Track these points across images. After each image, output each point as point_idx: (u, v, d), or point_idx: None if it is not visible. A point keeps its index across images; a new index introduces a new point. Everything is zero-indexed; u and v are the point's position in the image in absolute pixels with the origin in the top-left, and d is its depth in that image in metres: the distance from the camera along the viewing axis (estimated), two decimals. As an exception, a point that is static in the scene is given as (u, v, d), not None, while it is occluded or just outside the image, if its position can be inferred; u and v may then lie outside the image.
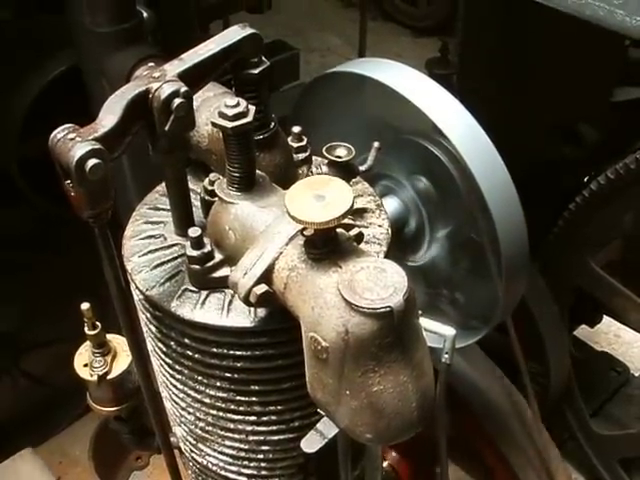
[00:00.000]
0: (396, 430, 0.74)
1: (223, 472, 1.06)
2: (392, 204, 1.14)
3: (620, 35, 1.49)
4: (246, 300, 0.76)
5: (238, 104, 0.77)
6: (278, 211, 0.79)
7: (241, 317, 0.83)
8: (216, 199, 0.83)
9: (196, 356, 0.87)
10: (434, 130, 1.08)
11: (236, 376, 0.88)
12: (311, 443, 0.78)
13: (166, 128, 0.79)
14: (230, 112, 0.77)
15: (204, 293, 0.84)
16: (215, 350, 0.85)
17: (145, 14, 1.18)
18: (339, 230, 0.73)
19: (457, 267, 1.14)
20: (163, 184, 0.96)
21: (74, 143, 0.71)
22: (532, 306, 1.72)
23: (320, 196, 0.70)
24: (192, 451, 1.08)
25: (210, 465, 1.07)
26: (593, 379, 2.16)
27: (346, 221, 0.72)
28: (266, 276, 0.75)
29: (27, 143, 1.95)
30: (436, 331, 0.88)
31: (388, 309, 0.66)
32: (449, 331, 0.88)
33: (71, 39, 1.52)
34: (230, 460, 1.02)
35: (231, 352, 0.85)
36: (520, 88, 1.56)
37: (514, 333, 1.31)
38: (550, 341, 1.74)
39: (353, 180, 0.97)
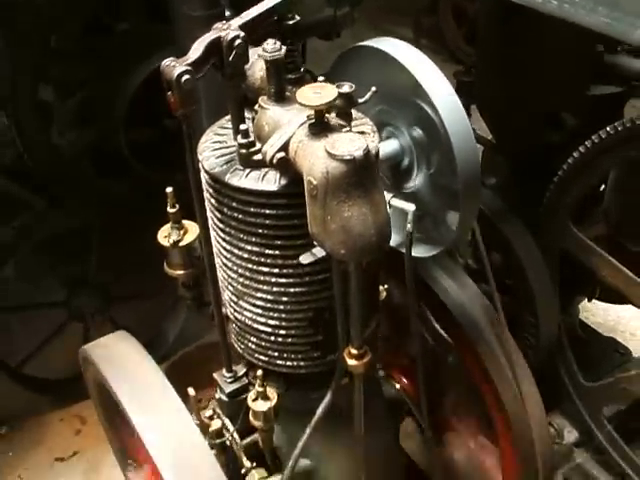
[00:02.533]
0: (361, 249, 1.13)
1: (255, 325, 1.47)
2: (393, 145, 1.53)
3: (593, 43, 1.90)
4: (271, 163, 1.19)
5: (275, 44, 1.22)
6: (296, 112, 1.22)
7: (270, 183, 1.26)
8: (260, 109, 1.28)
9: (240, 217, 1.31)
10: (425, 93, 1.49)
11: (266, 232, 1.31)
12: (306, 258, 1.19)
13: (230, 59, 1.24)
14: (269, 48, 1.21)
15: (247, 170, 1.28)
16: (252, 210, 1.28)
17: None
18: (328, 115, 1.16)
19: (435, 193, 1.52)
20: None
21: (175, 66, 1.18)
22: (526, 267, 2.08)
23: (317, 92, 1.13)
24: (235, 310, 1.50)
25: (246, 320, 1.49)
26: (596, 357, 2.45)
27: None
28: (284, 147, 1.18)
29: (134, 125, 2.50)
30: (401, 207, 1.29)
31: (351, 157, 1.08)
32: (410, 207, 1.29)
33: (167, 42, 2.03)
34: (260, 312, 1.44)
35: (262, 211, 1.28)
36: (516, 85, 1.97)
37: (488, 263, 1.66)
38: (540, 296, 2.08)
39: (359, 115, 1.39)
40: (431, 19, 5.42)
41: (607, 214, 2.05)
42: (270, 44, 1.22)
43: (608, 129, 1.76)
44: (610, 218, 2.03)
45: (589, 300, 2.39)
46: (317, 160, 1.11)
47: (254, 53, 1.32)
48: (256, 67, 1.34)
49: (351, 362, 1.33)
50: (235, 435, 1.64)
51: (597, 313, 2.86)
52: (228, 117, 1.43)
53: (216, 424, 1.66)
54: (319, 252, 1.19)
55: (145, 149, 2.63)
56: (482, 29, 2.01)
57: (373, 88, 1.37)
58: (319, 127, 1.15)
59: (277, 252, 1.33)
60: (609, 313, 2.89)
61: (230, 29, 1.25)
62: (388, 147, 1.51)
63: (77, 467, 2.71)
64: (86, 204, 2.70)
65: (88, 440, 2.79)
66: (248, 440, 1.65)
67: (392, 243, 1.59)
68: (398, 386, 2.03)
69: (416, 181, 1.52)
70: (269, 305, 1.42)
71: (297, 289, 1.38)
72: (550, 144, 1.98)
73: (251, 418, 1.53)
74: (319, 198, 1.12)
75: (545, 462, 1.74)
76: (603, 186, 2.13)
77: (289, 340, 1.46)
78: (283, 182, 1.26)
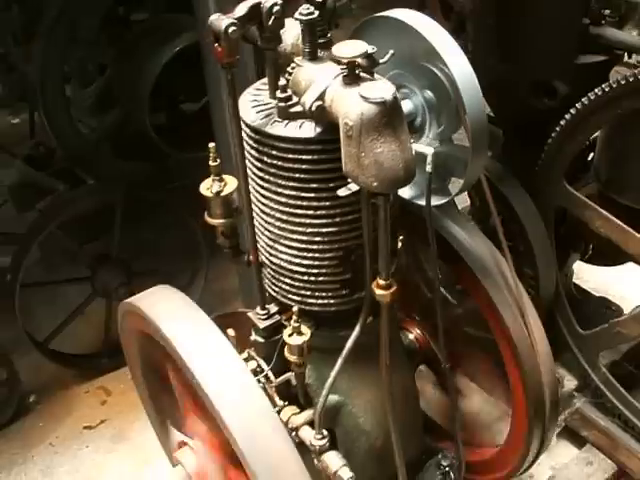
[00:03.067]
0: (390, 181, 1.31)
1: (290, 265, 1.65)
2: (407, 105, 1.71)
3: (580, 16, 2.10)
4: (310, 111, 1.37)
5: (308, 8, 1.40)
6: (329, 68, 1.40)
7: (307, 131, 1.44)
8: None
9: (279, 163, 1.48)
10: (440, 59, 1.66)
11: (302, 176, 1.48)
12: (343, 191, 1.37)
13: (269, 24, 1.42)
14: (304, 12, 1.39)
15: (286, 121, 1.46)
16: (291, 156, 1.46)
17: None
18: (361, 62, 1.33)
19: (444, 148, 1.70)
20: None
21: (223, 19, 1.35)
22: (525, 224, 2.27)
23: (349, 47, 1.31)
24: (270, 255, 1.68)
25: (281, 262, 1.66)
26: (590, 313, 2.64)
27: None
28: (321, 97, 1.36)
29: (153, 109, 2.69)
30: (421, 150, 1.47)
31: (382, 99, 1.26)
32: (429, 150, 1.47)
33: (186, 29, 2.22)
34: (295, 253, 1.61)
35: (300, 157, 1.46)
36: (512, 55, 2.16)
37: (497, 216, 1.84)
38: (539, 251, 2.27)
39: (378, 77, 1.57)
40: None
41: (597, 173, 2.24)
42: (305, 8, 1.40)
43: (595, 92, 1.96)
44: (600, 176, 2.23)
45: (582, 258, 2.58)
46: (352, 104, 1.29)
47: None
48: (288, 35, 1.53)
49: (379, 292, 1.50)
50: (269, 374, 1.80)
51: (589, 279, 3.03)
52: (260, 83, 1.62)
53: (251, 365, 1.82)
54: (353, 187, 1.37)
55: (166, 131, 2.81)
56: (477, 3, 2.19)
57: (391, 51, 1.55)
58: (352, 77, 1.33)
59: (312, 195, 1.51)
60: (600, 280, 3.07)
61: (269, -4, 1.42)
62: (403, 107, 1.69)
63: (105, 434, 2.86)
64: (109, 185, 2.87)
65: (114, 410, 2.95)
66: (281, 379, 1.81)
67: (406, 196, 1.78)
68: (412, 336, 2.21)
69: (428, 137, 1.70)
70: (303, 246, 1.59)
71: (329, 229, 1.56)
72: (543, 110, 2.17)
73: (286, 353, 1.70)
74: (354, 137, 1.30)
75: (552, 393, 1.91)
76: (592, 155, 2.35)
77: (320, 279, 1.64)
78: (318, 130, 1.44)
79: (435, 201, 1.72)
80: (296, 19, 1.41)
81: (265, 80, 1.58)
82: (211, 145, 1.59)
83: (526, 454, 2.05)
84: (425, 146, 1.50)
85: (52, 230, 2.79)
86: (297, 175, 1.49)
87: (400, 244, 1.83)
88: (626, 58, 2.17)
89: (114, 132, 2.91)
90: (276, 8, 1.40)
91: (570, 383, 2.55)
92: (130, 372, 2.17)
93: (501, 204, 2.29)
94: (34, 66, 2.62)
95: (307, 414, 1.81)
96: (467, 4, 2.18)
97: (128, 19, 2.83)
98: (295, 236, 1.59)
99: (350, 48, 1.33)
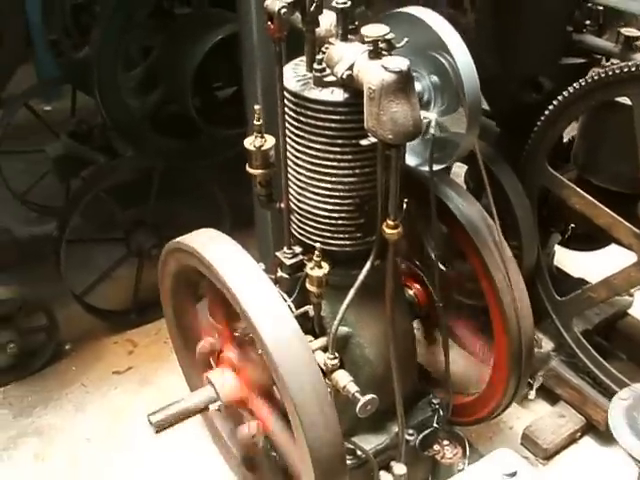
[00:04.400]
0: (402, 134, 1.67)
1: (315, 210, 2.01)
2: (417, 86, 2.08)
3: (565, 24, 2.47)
4: (341, 78, 1.73)
5: (344, -2, 1.78)
6: (357, 47, 1.77)
7: (337, 96, 1.81)
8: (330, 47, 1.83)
9: (312, 122, 1.85)
10: (445, 50, 2.02)
11: (331, 133, 1.85)
12: (365, 141, 1.73)
13: (311, 10, 1.79)
14: (340, 0, 1.77)
15: (320, 88, 1.83)
16: (322, 116, 1.83)
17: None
18: (382, 46, 1.70)
19: (444, 122, 2.06)
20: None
21: (277, 2, 1.72)
22: (512, 200, 2.63)
23: (374, 29, 1.68)
24: (299, 201, 2.04)
25: (308, 208, 2.02)
26: (567, 289, 2.99)
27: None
28: (350, 67, 1.73)
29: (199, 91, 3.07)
30: (425, 115, 1.84)
31: (399, 69, 1.62)
32: (433, 115, 1.84)
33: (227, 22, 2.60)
34: (320, 198, 1.98)
35: (330, 117, 1.82)
36: (506, 54, 2.54)
37: (489, 189, 2.20)
38: (523, 224, 2.63)
39: (394, 53, 1.94)
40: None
41: (575, 158, 2.61)
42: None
43: (573, 86, 2.34)
44: (577, 161, 2.60)
45: (562, 239, 2.93)
46: (375, 72, 1.65)
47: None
48: (323, 21, 1.90)
49: (388, 231, 1.86)
50: (291, 305, 2.14)
51: (568, 265, 3.36)
52: (297, 60, 1.99)
53: (277, 298, 2.17)
54: (372, 139, 1.74)
55: (202, 113, 3.19)
56: (479, 8, 2.57)
57: (406, 38, 1.91)
58: (375, 53, 1.70)
59: (337, 149, 1.88)
60: (579, 265, 3.40)
61: (312, -12, 1.80)
62: (413, 87, 2.06)
63: (132, 379, 3.20)
64: (147, 157, 3.24)
65: (139, 359, 3.29)
66: (301, 310, 2.16)
67: (412, 164, 2.15)
68: (411, 292, 2.56)
69: (433, 112, 2.06)
70: (327, 193, 1.96)
71: (349, 179, 1.93)
72: (531, 103, 2.54)
73: (307, 285, 2.05)
74: (375, 99, 1.66)
75: (527, 338, 2.25)
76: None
77: (340, 222, 2.00)
78: (346, 96, 1.81)
79: (435, 166, 2.09)
80: (332, 8, 1.78)
81: (299, 60, 1.96)
82: (256, 107, 1.96)
83: (502, 399, 2.40)
84: (429, 113, 1.87)
85: (99, 194, 3.14)
86: (326, 132, 1.86)
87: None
88: (604, 61, 2.55)
89: (154, 111, 3.29)
90: (317, -3, 1.78)
91: (547, 345, 2.90)
92: (163, 306, 2.51)
93: (492, 183, 2.65)
94: (92, 49, 3.01)
95: (321, 341, 2.14)
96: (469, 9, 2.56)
97: (172, 12, 3.21)
98: (321, 184, 1.95)
99: (375, 29, 1.70)
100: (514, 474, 1.87)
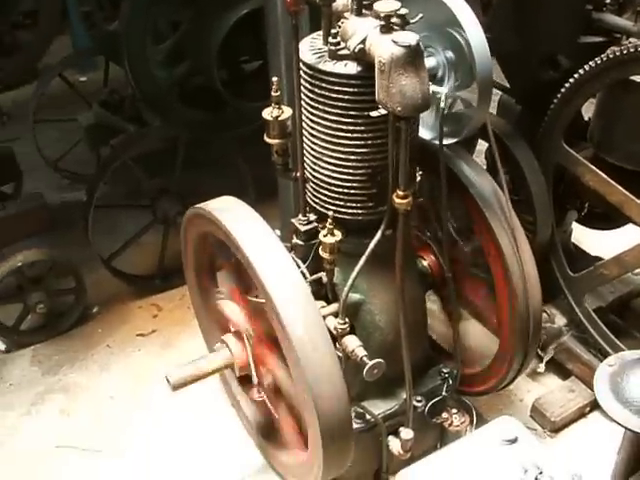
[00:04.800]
0: (411, 106, 1.73)
1: (328, 179, 2.08)
2: (431, 61, 2.11)
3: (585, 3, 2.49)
4: (353, 52, 1.79)
5: (359, -18, 1.83)
6: (370, 22, 1.82)
7: (350, 68, 1.87)
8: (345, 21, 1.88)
9: (326, 94, 1.92)
10: (460, 26, 2.07)
11: (344, 104, 1.91)
12: (375, 113, 1.79)
13: (327, -15, 1.85)
14: (355, -17, 1.83)
15: (334, 61, 1.89)
16: (336, 87, 1.89)
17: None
18: (394, 20, 1.76)
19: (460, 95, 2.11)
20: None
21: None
22: (527, 176, 2.67)
23: (386, 4, 1.74)
24: (314, 170, 2.11)
25: (322, 177, 2.09)
26: (584, 266, 3.02)
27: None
28: (363, 41, 1.79)
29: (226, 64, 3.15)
30: (436, 89, 1.89)
31: (409, 44, 1.68)
32: (444, 90, 1.89)
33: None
34: (333, 168, 2.05)
35: (343, 89, 1.89)
36: (525, 32, 2.56)
37: (499, 158, 2.24)
38: (537, 199, 2.67)
39: (408, 28, 1.98)
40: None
41: (591, 136, 2.64)
42: (356, -18, 1.83)
43: (589, 64, 2.36)
44: (593, 138, 2.62)
45: (579, 217, 2.96)
46: (386, 46, 1.71)
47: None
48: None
49: (398, 201, 1.92)
50: (305, 271, 2.22)
51: (586, 243, 3.37)
52: (314, 34, 2.05)
53: (291, 263, 2.26)
54: (382, 111, 1.80)
55: (227, 85, 3.27)
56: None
57: (420, 14, 1.96)
58: (387, 28, 1.75)
59: (350, 120, 1.94)
60: (599, 244, 3.41)
61: (328, -36, 1.86)
62: (428, 62, 2.11)
63: (155, 341, 3.32)
64: (174, 127, 3.34)
65: (163, 322, 3.41)
66: (314, 276, 2.24)
67: (427, 137, 2.20)
68: (425, 263, 2.62)
69: (446, 88, 2.11)
70: (341, 162, 2.02)
71: (361, 150, 1.99)
72: (549, 81, 2.57)
73: (320, 252, 2.12)
74: (385, 72, 1.72)
75: (535, 311, 2.30)
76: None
77: (352, 191, 2.07)
78: (359, 69, 1.87)
79: (448, 140, 2.14)
80: (348, -9, 1.84)
81: (316, 34, 2.02)
82: (274, 79, 2.03)
83: (508, 373, 2.45)
84: (441, 87, 1.92)
85: (127, 162, 3.25)
86: (340, 103, 1.92)
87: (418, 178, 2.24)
88: (624, 40, 2.56)
89: (181, 83, 3.38)
90: (332, -21, 1.84)
91: (560, 321, 2.94)
92: (185, 270, 2.61)
93: (509, 160, 2.69)
94: (121, 22, 3.10)
95: (333, 307, 2.22)
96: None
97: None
98: (335, 154, 2.02)
99: (388, 4, 1.75)
100: (514, 440, 1.92)
